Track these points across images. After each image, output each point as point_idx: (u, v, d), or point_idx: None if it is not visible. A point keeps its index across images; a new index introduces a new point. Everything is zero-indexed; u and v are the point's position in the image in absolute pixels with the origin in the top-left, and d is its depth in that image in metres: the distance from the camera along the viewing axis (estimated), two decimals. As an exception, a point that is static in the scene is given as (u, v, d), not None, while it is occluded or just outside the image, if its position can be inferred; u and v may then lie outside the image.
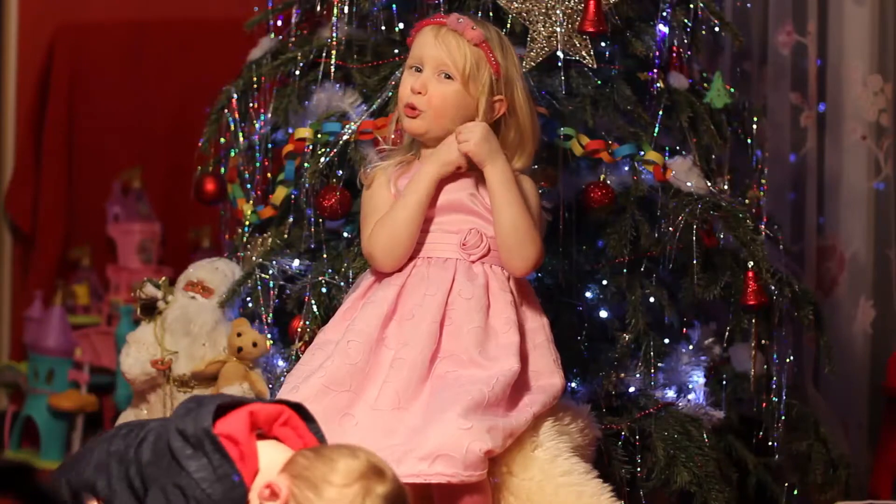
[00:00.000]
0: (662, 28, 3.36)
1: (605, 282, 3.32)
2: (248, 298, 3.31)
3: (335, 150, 3.25)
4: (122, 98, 5.19)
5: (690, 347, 3.33)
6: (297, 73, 3.40)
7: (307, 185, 3.26)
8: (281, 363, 3.28)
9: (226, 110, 3.47)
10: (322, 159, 3.24)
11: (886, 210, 4.07)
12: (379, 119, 3.20)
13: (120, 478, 2.28)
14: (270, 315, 3.28)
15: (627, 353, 3.28)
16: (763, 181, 3.56)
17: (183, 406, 2.30)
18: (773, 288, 3.26)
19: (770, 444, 3.34)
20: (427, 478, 2.62)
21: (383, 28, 3.40)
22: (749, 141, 3.56)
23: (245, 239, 3.43)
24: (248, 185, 3.48)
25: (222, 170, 3.50)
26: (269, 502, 2.21)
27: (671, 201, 3.25)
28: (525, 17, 3.24)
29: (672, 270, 3.29)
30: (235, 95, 3.47)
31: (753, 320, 3.30)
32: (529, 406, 2.78)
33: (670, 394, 3.27)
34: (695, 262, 3.24)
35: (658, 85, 3.35)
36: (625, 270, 3.29)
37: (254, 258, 3.36)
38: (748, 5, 4.14)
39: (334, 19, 3.38)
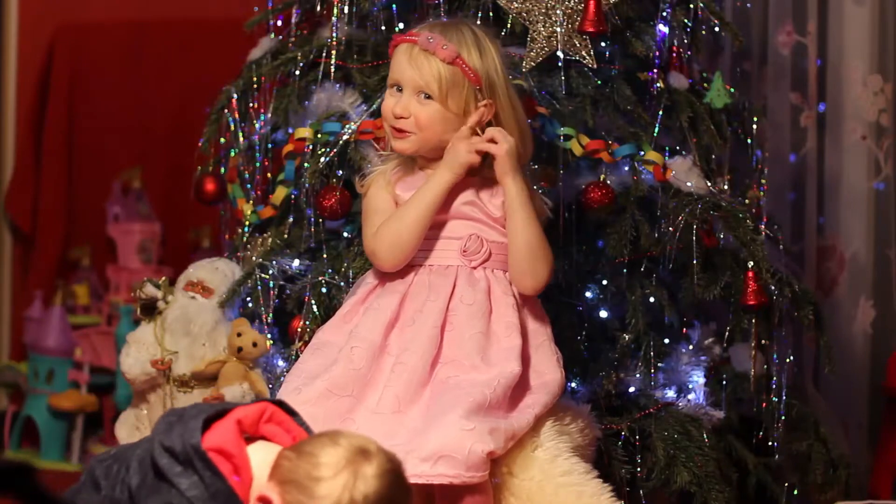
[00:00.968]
0: (662, 28, 3.36)
1: (605, 282, 3.32)
2: (248, 298, 3.31)
3: (335, 150, 3.25)
4: (122, 98, 5.19)
5: (690, 347, 3.33)
6: (297, 73, 3.40)
7: (307, 185, 3.26)
8: (281, 363, 3.28)
9: (226, 110, 3.47)
10: (322, 159, 3.24)
11: (886, 210, 4.07)
12: (379, 119, 3.20)
13: None
14: (270, 315, 3.28)
15: (627, 353, 3.28)
16: (763, 181, 3.56)
17: (163, 421, 2.26)
18: (773, 288, 3.26)
19: (770, 444, 3.34)
20: (429, 479, 2.63)
21: (383, 28, 3.40)
22: (749, 141, 3.56)
23: (245, 239, 3.43)
24: (248, 185, 3.48)
25: (222, 170, 3.50)
26: None
27: (671, 201, 3.25)
28: (525, 17, 3.24)
29: (672, 270, 3.29)
30: (235, 95, 3.47)
31: (753, 320, 3.30)
32: (531, 407, 2.78)
33: (670, 394, 3.27)
34: (695, 262, 3.24)
35: (658, 85, 3.35)
36: (625, 270, 3.29)
37: (254, 258, 3.36)
38: (748, 5, 4.14)
39: (334, 19, 3.38)
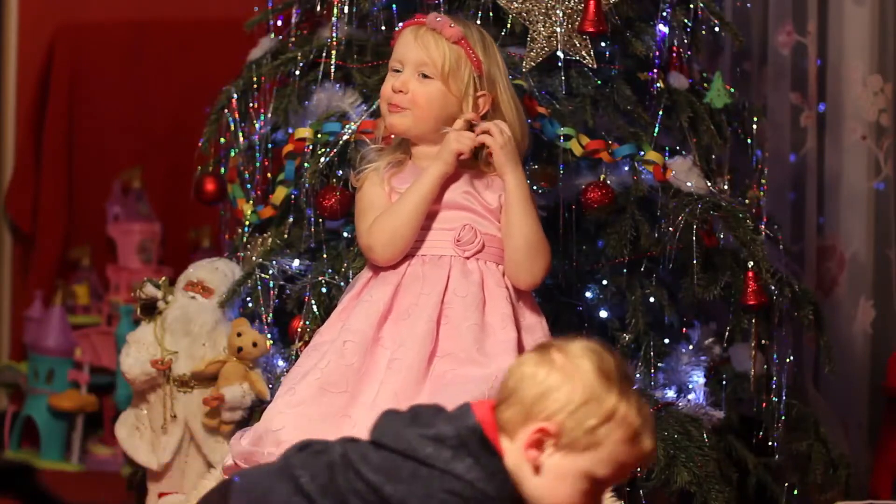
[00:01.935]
0: (662, 28, 3.36)
1: (605, 282, 3.32)
2: (248, 298, 3.31)
3: (335, 150, 3.25)
4: (122, 98, 5.19)
5: (690, 347, 3.33)
6: (297, 73, 3.40)
7: (307, 185, 3.26)
8: (281, 363, 3.28)
9: (226, 110, 3.47)
10: (322, 159, 3.24)
11: (886, 210, 4.07)
12: (379, 119, 3.20)
13: None
14: (270, 315, 3.28)
15: (627, 353, 3.28)
16: (763, 181, 3.56)
17: (397, 420, 2.19)
18: (773, 288, 3.26)
19: (770, 444, 3.34)
20: None
21: (383, 28, 3.40)
22: (749, 141, 3.56)
23: (245, 239, 3.43)
24: (248, 185, 3.48)
25: (222, 170, 3.50)
26: (536, 449, 2.14)
27: (671, 201, 3.25)
28: (525, 17, 3.24)
29: (672, 270, 3.29)
30: (235, 95, 3.47)
31: (753, 320, 3.30)
32: None
33: (670, 394, 3.27)
34: (695, 262, 3.24)
35: (658, 85, 3.35)
36: (625, 270, 3.29)
37: (254, 258, 3.36)
38: (748, 5, 4.14)
39: (334, 19, 3.38)
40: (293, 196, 3.35)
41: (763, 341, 3.33)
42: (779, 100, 4.16)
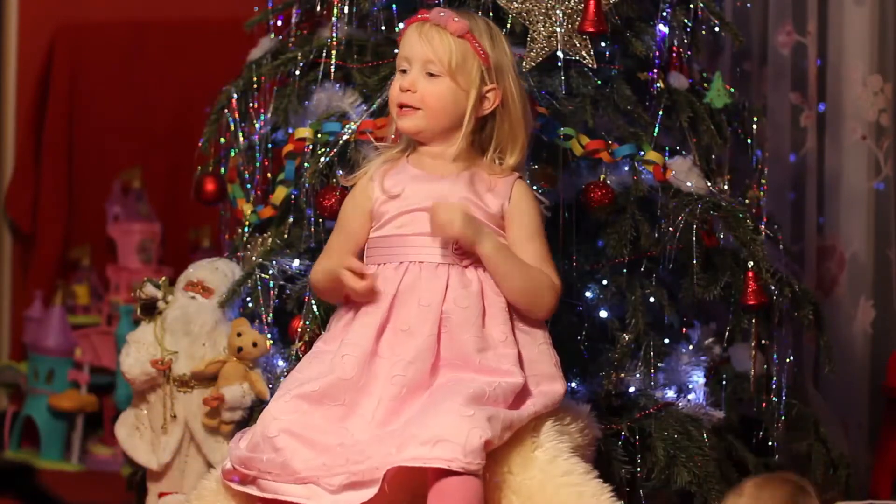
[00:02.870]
0: (662, 28, 3.36)
1: (605, 282, 3.32)
2: (248, 298, 3.31)
3: (335, 150, 3.25)
4: (122, 98, 5.19)
5: (690, 347, 3.33)
6: (297, 73, 3.40)
7: (307, 185, 3.26)
8: (281, 363, 3.28)
9: (226, 110, 3.47)
10: (322, 159, 3.24)
11: (886, 210, 4.07)
12: (379, 119, 3.20)
13: None
14: (270, 315, 3.28)
15: (627, 353, 3.28)
16: (763, 181, 3.56)
17: None
18: (773, 288, 3.26)
19: (770, 444, 3.34)
20: (426, 462, 2.60)
21: (383, 28, 3.40)
22: (749, 141, 3.56)
23: (245, 239, 3.43)
24: (248, 185, 3.48)
25: (222, 170, 3.50)
26: None
27: (671, 201, 3.25)
28: (525, 17, 3.24)
29: (672, 270, 3.29)
30: (235, 95, 3.47)
31: (753, 320, 3.30)
32: (531, 406, 2.77)
33: (670, 394, 3.27)
34: (695, 262, 3.24)
35: (658, 85, 3.35)
36: (625, 270, 3.29)
37: (254, 258, 3.36)
38: (748, 5, 4.14)
39: (334, 19, 3.38)
40: (293, 196, 3.34)
41: (763, 341, 3.33)
42: (779, 100, 4.16)
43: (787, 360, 3.35)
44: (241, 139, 3.48)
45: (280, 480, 2.69)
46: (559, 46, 3.23)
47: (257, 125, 3.47)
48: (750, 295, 3.23)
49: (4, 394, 4.94)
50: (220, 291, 3.30)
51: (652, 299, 3.30)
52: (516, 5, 3.24)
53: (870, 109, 4.07)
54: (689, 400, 3.27)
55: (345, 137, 3.24)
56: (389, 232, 2.85)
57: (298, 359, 3.17)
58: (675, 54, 3.40)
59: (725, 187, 3.44)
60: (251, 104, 3.47)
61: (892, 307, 4.06)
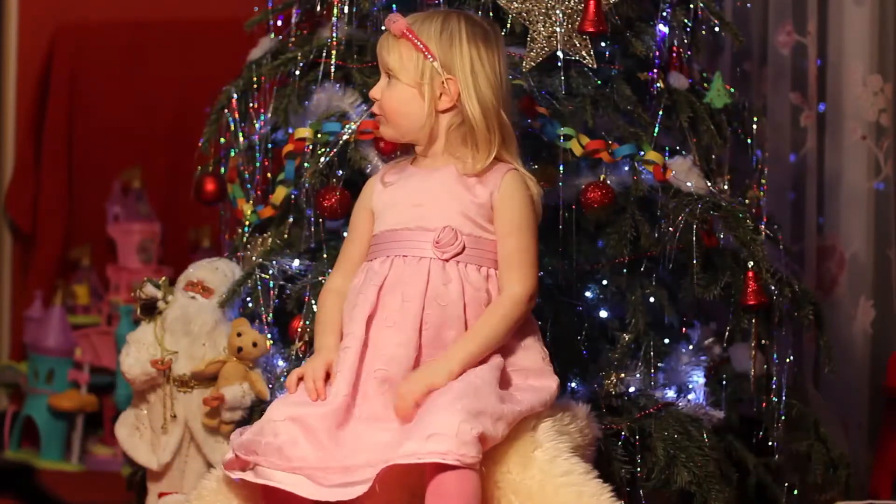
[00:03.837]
0: (662, 28, 3.36)
1: (605, 282, 3.32)
2: (248, 298, 3.31)
3: (335, 150, 3.25)
4: (122, 98, 5.19)
5: (690, 347, 3.33)
6: (297, 73, 3.40)
7: (307, 185, 3.26)
8: (281, 363, 3.28)
9: (226, 110, 3.47)
10: (322, 159, 3.24)
11: (886, 210, 4.07)
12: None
13: None
14: (270, 315, 3.28)
15: (627, 353, 3.28)
16: (763, 181, 3.56)
17: None
18: (773, 288, 3.26)
19: (770, 444, 3.34)
20: (421, 457, 2.60)
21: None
22: (749, 141, 3.56)
23: (245, 239, 3.43)
24: (248, 185, 3.48)
25: (222, 170, 3.50)
26: None
27: (671, 201, 3.25)
28: (525, 17, 3.24)
29: (672, 270, 3.29)
30: (235, 95, 3.47)
31: (753, 320, 3.30)
32: (523, 400, 2.77)
33: (670, 394, 3.27)
34: (695, 262, 3.24)
35: (658, 85, 3.35)
36: (625, 270, 3.29)
37: (254, 258, 3.37)
38: (748, 5, 4.14)
39: (334, 19, 3.38)
40: (293, 196, 3.35)
41: (763, 341, 3.33)
42: (779, 100, 4.16)
43: (787, 360, 3.35)
44: (241, 139, 3.48)
45: (274, 467, 2.69)
46: (559, 46, 3.23)
47: (257, 125, 3.47)
48: (750, 295, 3.23)
49: (4, 394, 4.94)
50: (220, 291, 3.30)
51: (652, 299, 3.30)
52: (516, 5, 3.24)
53: (870, 109, 4.07)
54: (689, 400, 3.27)
55: (345, 137, 3.24)
56: (382, 228, 2.87)
57: (299, 358, 3.18)
58: (675, 54, 3.40)
59: (725, 187, 3.44)
60: (251, 104, 3.47)
61: (892, 307, 4.06)
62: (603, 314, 3.32)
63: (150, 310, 3.30)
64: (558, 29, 3.22)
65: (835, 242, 4.11)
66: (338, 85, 3.36)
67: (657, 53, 3.34)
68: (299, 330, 3.22)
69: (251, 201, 3.46)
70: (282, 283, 3.30)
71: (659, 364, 3.29)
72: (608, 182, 3.24)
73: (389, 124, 2.87)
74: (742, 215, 3.25)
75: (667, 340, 3.34)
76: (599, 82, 3.30)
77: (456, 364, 2.74)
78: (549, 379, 2.84)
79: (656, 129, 3.30)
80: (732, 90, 3.47)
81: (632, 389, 3.26)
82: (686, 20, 3.41)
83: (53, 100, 5.17)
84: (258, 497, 2.76)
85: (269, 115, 3.44)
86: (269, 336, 3.26)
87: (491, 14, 3.26)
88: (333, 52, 3.37)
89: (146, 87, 5.20)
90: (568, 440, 2.82)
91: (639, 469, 3.17)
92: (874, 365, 4.03)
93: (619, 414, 3.22)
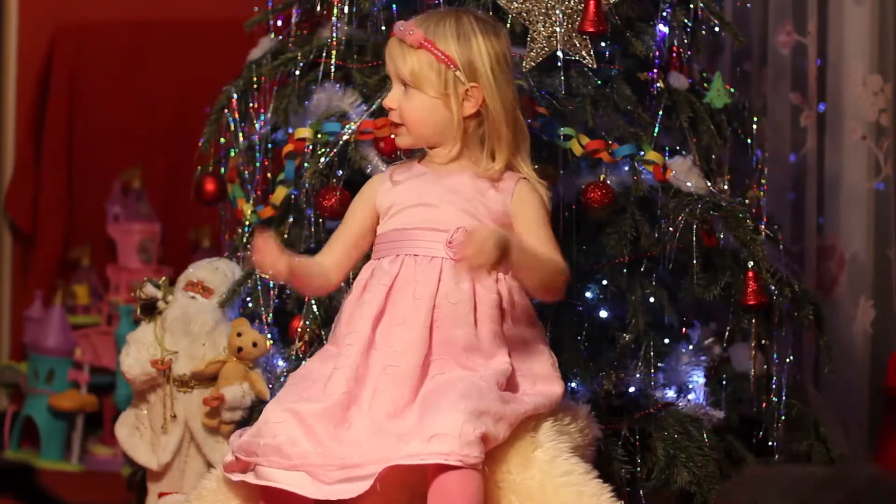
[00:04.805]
0: (662, 28, 3.36)
1: (605, 282, 3.32)
2: (248, 298, 3.32)
3: (335, 150, 3.25)
4: (122, 98, 5.19)
5: (690, 347, 3.34)
6: (297, 73, 3.40)
7: (307, 185, 3.27)
8: (281, 363, 3.28)
9: (226, 110, 3.47)
10: (322, 159, 3.24)
11: (886, 210, 4.07)
12: (379, 119, 3.21)
13: None
14: (270, 315, 3.28)
15: (627, 353, 3.28)
16: (763, 181, 3.56)
17: None
18: (773, 288, 3.26)
19: (770, 444, 3.34)
20: (423, 458, 2.61)
21: (383, 28, 3.40)
22: (749, 141, 3.56)
23: (245, 239, 3.43)
24: (248, 185, 3.48)
25: (222, 170, 3.50)
26: None
27: (671, 201, 3.25)
28: (525, 17, 3.24)
29: (672, 270, 3.29)
30: (235, 95, 3.47)
31: (753, 320, 3.30)
32: (527, 402, 2.77)
33: (670, 394, 3.27)
34: (695, 262, 3.24)
35: (658, 85, 3.35)
36: (625, 270, 3.29)
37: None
38: (748, 5, 4.14)
39: (334, 19, 3.38)
40: (293, 196, 3.35)
41: (763, 341, 3.33)
42: (779, 100, 4.16)
43: (787, 360, 3.35)
44: (241, 139, 3.48)
45: (274, 466, 2.69)
46: (559, 46, 3.23)
47: (257, 125, 3.47)
48: (750, 295, 3.23)
49: (4, 394, 4.94)
50: (220, 291, 3.31)
51: (652, 299, 3.30)
52: (516, 5, 3.24)
53: (870, 109, 4.07)
54: (689, 400, 3.27)
55: (345, 137, 3.24)
56: (390, 227, 2.87)
57: (299, 359, 3.18)
58: (675, 54, 3.40)
59: (725, 187, 3.44)
60: (251, 104, 3.47)
61: (892, 307, 4.06)
62: (603, 314, 3.32)
63: (150, 310, 3.30)
64: (558, 29, 3.22)
65: (835, 242, 4.11)
66: (338, 85, 3.36)
67: (657, 53, 3.34)
68: (299, 330, 3.22)
69: (251, 201, 3.46)
70: (282, 283, 3.29)
71: (659, 364, 3.29)
72: (608, 182, 3.24)
73: (411, 134, 2.87)
74: (742, 215, 3.25)
75: (667, 340, 3.34)
76: (599, 82, 3.30)
77: (519, 246, 2.74)
78: (555, 384, 2.84)
79: (656, 129, 3.31)
80: (732, 90, 3.47)
81: (632, 389, 3.26)
82: (686, 20, 3.41)
83: (53, 100, 5.17)
84: (258, 497, 2.76)
85: (269, 115, 3.44)
86: (269, 336, 3.26)
87: (491, 14, 3.25)
88: (333, 52, 3.37)
89: (146, 87, 5.19)
90: (568, 440, 2.82)
91: (639, 469, 3.17)
92: (874, 365, 4.03)
93: (619, 414, 3.22)
